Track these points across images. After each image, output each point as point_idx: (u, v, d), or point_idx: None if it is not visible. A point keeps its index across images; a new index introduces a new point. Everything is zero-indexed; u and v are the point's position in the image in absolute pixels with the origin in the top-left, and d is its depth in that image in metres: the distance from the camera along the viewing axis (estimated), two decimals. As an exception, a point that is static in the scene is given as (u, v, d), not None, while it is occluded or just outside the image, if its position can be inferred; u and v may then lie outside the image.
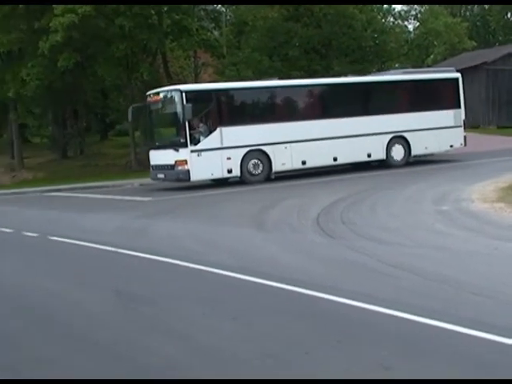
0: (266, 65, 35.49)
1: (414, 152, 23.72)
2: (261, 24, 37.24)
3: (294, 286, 6.59)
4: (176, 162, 19.79)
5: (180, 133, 19.82)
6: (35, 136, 47.42)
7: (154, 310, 6.13)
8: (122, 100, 37.29)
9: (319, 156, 21.66)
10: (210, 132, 20.19)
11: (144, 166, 30.60)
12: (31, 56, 29.18)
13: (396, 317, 5.48)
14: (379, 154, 22.96)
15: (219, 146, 20.12)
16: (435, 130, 23.62)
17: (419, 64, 46.61)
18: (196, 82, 33.59)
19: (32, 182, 28.71)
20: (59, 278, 7.97)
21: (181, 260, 8.28)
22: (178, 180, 20.35)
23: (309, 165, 21.89)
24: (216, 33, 39.00)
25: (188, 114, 19.28)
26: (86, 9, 25.58)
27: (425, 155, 24.53)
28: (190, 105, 19.26)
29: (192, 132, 19.80)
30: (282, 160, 21.18)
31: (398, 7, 52.66)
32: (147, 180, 22.29)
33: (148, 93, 22.03)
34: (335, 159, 22.13)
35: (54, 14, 25.67)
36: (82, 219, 14.42)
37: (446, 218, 10.50)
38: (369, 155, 22.81)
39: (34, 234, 11.72)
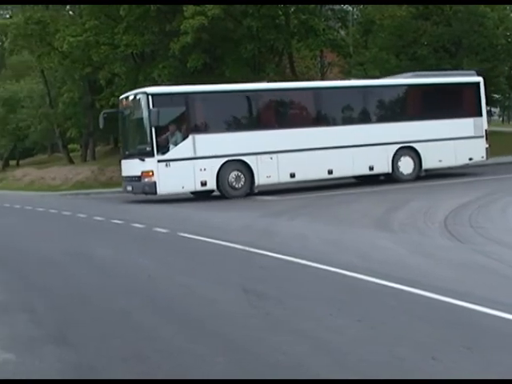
0: (393, 64, 34.94)
1: (425, 165, 21.02)
2: (388, 23, 36.68)
3: (423, 290, 6.48)
4: (142, 172, 18.16)
5: (146, 140, 18.15)
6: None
7: (281, 309, 6.19)
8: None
9: (311, 168, 19.34)
10: (182, 140, 18.28)
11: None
12: (162, 57, 30.15)
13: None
14: (383, 167, 20.48)
15: (192, 155, 18.14)
16: (451, 140, 20.80)
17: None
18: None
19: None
20: (189, 274, 8.19)
21: (307, 260, 8.31)
22: (145, 193, 18.64)
23: (298, 178, 19.72)
24: (342, 32, 38.78)
25: (154, 119, 17.53)
26: (216, 11, 26.11)
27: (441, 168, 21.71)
28: (156, 109, 17.53)
29: (160, 140, 18.00)
30: (267, 172, 18.84)
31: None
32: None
33: (120, 97, 20.73)
34: (330, 172, 19.77)
35: (185, 17, 26.38)
36: (210, 217, 14.77)
37: None
38: (371, 168, 20.34)
39: (164, 230, 12.11)
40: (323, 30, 31.04)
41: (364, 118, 20.92)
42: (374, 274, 7.26)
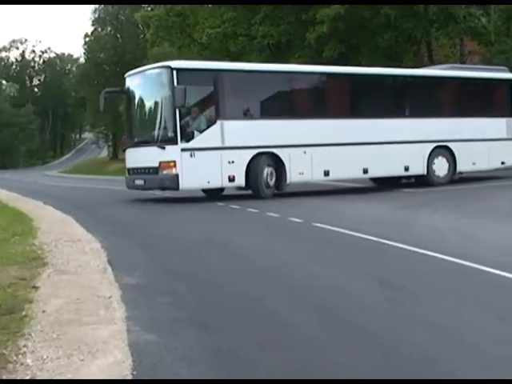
0: (537, 52, 33.33)
1: (459, 168, 18.96)
2: (534, 8, 34.90)
3: None
4: (161, 163, 15.36)
5: (167, 124, 15.47)
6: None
7: (415, 303, 6.09)
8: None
9: (345, 165, 17.22)
10: (208, 126, 15.69)
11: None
12: (298, 47, 30.33)
13: None
14: (418, 168, 18.40)
15: (219, 144, 15.62)
16: (485, 141, 18.69)
17: None
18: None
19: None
20: (322, 264, 8.21)
21: (443, 254, 8.11)
22: (162, 188, 16.22)
23: (332, 176, 17.51)
24: (484, 19, 37.37)
25: (180, 98, 14.75)
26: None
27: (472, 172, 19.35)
28: (182, 87, 14.75)
29: (184, 124, 15.39)
30: (300, 168, 16.63)
31: None
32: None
33: (126, 74, 17.67)
34: (365, 171, 17.75)
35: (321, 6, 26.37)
36: (344, 207, 14.72)
37: None
38: (406, 168, 18.25)
39: (299, 220, 12.19)
40: (463, 17, 30.14)
41: (401, 112, 18.91)
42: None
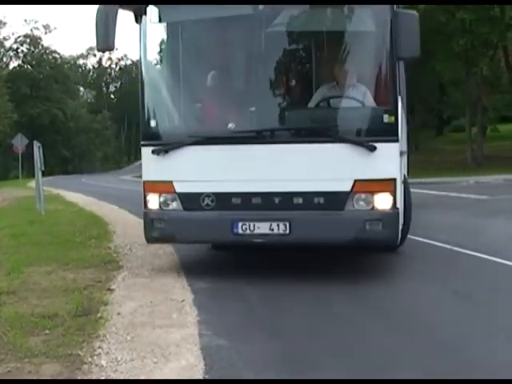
0: None
1: None
2: None
3: None
4: (357, 183, 7.11)
5: (378, 98, 7.40)
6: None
7: (493, 314, 5.95)
8: (459, 95, 36.63)
9: None
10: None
11: (479, 163, 29.86)
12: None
13: None
14: None
15: None
16: None
17: None
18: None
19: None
20: (404, 272, 8.08)
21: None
22: (354, 243, 7.26)
23: None
24: None
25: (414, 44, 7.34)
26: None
27: None
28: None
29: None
30: None
31: None
32: (483, 178, 21.54)
33: None
34: None
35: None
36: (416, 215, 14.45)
37: None
38: None
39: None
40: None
41: None
42: None
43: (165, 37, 8.24)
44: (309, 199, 7.26)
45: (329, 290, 7.01)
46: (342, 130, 7.23)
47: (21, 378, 4.50)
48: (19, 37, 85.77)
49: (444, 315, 5.95)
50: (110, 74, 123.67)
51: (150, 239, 7.95)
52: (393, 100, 7.20)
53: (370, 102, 7.42)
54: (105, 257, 9.25)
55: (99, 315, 6.03)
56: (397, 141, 7.19)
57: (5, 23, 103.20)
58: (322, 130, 7.31)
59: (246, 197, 7.42)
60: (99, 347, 5.10)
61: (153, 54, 8.23)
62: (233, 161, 7.49)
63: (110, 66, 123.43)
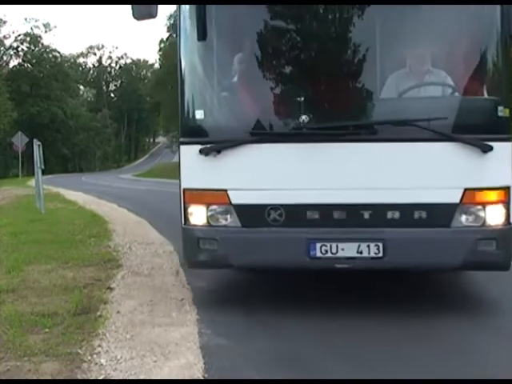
0: None
1: None
2: None
3: None
4: (466, 192, 5.79)
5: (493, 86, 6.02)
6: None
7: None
8: None
9: None
10: None
11: None
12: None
13: None
14: None
15: None
16: None
17: None
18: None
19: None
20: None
21: None
22: (466, 268, 6.22)
23: None
24: None
25: None
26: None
27: None
28: None
29: None
30: None
31: None
32: None
33: None
34: None
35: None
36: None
37: None
38: None
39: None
40: None
41: None
42: None
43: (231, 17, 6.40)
44: (407, 213, 5.80)
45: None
46: (448, 126, 5.80)
47: (20, 377, 4.48)
48: (19, 35, 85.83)
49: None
50: (110, 73, 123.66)
51: (196, 263, 6.38)
52: (505, 89, 5.90)
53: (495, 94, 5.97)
54: (104, 255, 9.24)
55: (99, 314, 6.02)
56: (510, 139, 5.80)
57: (5, 22, 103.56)
58: (425, 126, 5.68)
59: (327, 210, 5.86)
60: (99, 346, 5.09)
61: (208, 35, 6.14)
62: (308, 163, 5.91)
63: (110, 64, 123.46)
